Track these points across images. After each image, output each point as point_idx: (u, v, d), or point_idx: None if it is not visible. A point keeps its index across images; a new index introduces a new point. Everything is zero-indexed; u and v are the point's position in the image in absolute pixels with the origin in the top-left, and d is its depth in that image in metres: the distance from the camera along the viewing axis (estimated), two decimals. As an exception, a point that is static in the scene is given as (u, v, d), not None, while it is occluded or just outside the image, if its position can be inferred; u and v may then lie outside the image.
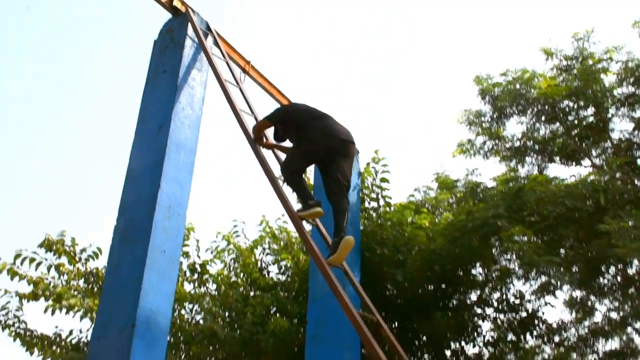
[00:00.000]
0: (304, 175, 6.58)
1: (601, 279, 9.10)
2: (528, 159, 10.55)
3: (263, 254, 10.00)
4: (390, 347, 5.69)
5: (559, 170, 11.69)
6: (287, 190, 6.27)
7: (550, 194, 8.43)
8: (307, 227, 6.64)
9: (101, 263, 9.18)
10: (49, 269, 8.88)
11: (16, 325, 8.89)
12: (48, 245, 8.80)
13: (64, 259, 8.97)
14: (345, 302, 5.37)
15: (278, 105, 7.95)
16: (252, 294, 9.42)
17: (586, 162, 10.50)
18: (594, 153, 10.57)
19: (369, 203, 8.98)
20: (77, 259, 9.04)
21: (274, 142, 6.88)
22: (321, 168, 6.32)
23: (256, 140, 6.61)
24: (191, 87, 6.46)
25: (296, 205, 6.13)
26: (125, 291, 5.56)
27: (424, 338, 9.10)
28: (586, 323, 9.75)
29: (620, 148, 10.09)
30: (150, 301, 5.49)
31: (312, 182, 8.50)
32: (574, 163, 10.55)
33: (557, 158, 10.38)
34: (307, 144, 6.21)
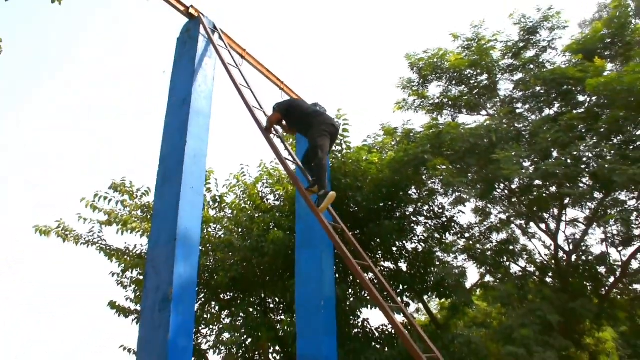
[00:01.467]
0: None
1: (495, 192, 9.25)
2: (444, 111, 10.69)
3: (263, 187, 10.06)
4: (352, 246, 5.80)
5: (465, 119, 11.78)
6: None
7: (460, 135, 8.53)
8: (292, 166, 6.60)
9: (151, 198, 9.23)
10: (116, 204, 9.04)
11: (99, 242, 9.10)
12: (115, 187, 9.00)
13: (126, 197, 9.09)
14: (321, 218, 5.49)
15: (269, 81, 7.90)
16: (256, 215, 9.52)
17: (483, 112, 10.60)
18: (488, 106, 10.67)
19: (335, 147, 8.99)
20: (134, 196, 9.13)
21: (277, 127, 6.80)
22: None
23: (267, 130, 6.49)
24: (204, 70, 6.45)
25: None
26: (168, 216, 5.66)
27: (377, 240, 9.26)
28: (485, 223, 9.93)
29: (505, 102, 10.17)
30: (185, 222, 5.59)
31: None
32: (475, 113, 10.64)
33: (464, 110, 10.48)
34: (324, 129, 6.19)
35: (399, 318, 8.14)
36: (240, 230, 9.37)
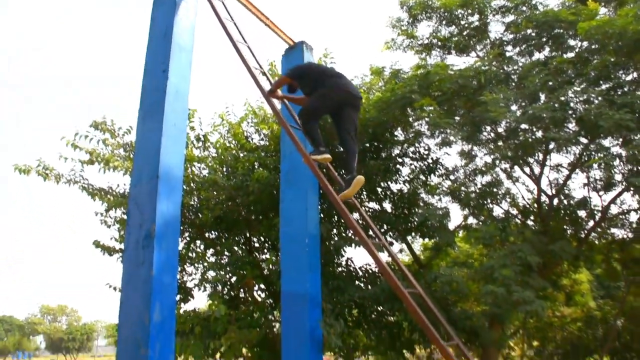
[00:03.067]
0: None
1: (481, 135, 9.21)
2: (433, 52, 10.45)
3: (248, 126, 9.92)
4: (337, 184, 5.78)
5: (454, 60, 11.52)
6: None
7: (448, 76, 8.40)
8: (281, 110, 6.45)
9: (133, 137, 9.08)
10: (98, 142, 8.83)
11: (81, 181, 8.98)
12: (96, 125, 8.77)
13: (107, 135, 8.90)
14: (305, 153, 5.43)
15: (254, 17, 7.60)
16: (241, 155, 9.42)
17: (473, 54, 10.42)
18: (477, 48, 10.47)
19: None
20: (116, 134, 8.95)
21: (282, 94, 6.47)
22: (334, 117, 5.89)
23: (270, 92, 6.22)
24: (187, 2, 6.19)
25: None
26: (150, 153, 5.58)
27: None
28: (470, 166, 9.92)
29: (495, 44, 9.99)
30: (167, 159, 5.54)
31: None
32: (464, 55, 10.45)
33: (453, 51, 10.27)
34: (324, 95, 5.75)
35: (383, 257, 8.23)
36: (224, 169, 9.29)
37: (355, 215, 8.48)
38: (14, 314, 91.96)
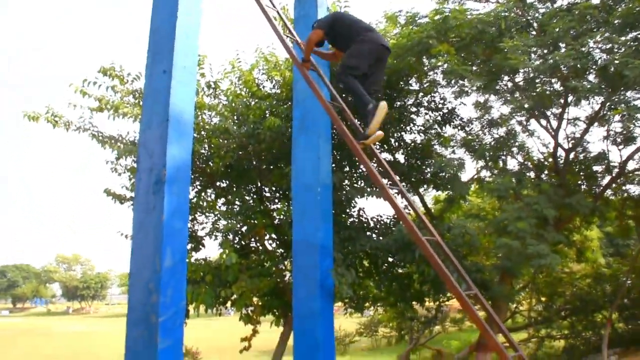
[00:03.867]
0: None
1: (498, 85, 8.92)
2: (452, -3, 9.94)
3: (259, 73, 9.64)
4: (353, 126, 5.63)
5: (473, 6, 10.89)
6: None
7: (467, 21, 8.05)
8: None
9: (142, 84, 8.86)
10: (107, 89, 8.66)
11: (91, 129, 8.84)
12: (104, 71, 8.57)
13: (116, 81, 8.70)
14: (320, 95, 5.24)
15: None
16: (252, 102, 9.21)
17: (492, 0, 9.94)
18: (498, -8, 9.97)
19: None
20: (125, 80, 8.75)
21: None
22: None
23: (304, 61, 5.87)
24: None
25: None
26: (159, 96, 5.41)
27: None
28: (486, 117, 9.65)
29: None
30: (177, 102, 5.36)
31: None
32: (484, 1, 9.97)
33: (473, -3, 9.82)
34: (361, 50, 5.44)
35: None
36: (235, 117, 9.10)
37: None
38: (30, 262, 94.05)
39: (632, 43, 7.52)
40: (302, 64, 5.86)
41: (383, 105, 5.12)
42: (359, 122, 5.99)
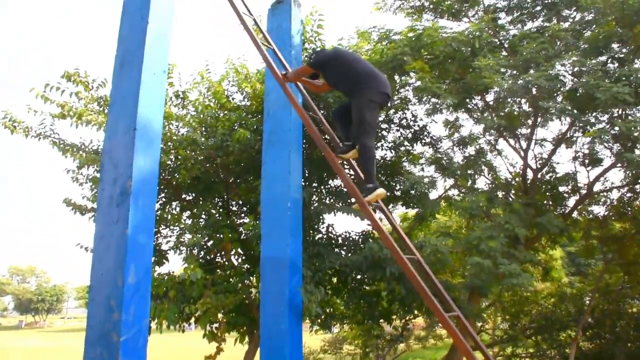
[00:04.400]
0: None
1: (470, 103, 8.96)
2: (425, 15, 9.99)
3: (229, 85, 9.45)
4: (331, 139, 5.50)
5: (445, 24, 10.82)
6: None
7: (442, 39, 8.06)
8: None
9: (108, 91, 8.58)
10: (70, 95, 8.30)
11: (52, 136, 8.50)
12: (68, 76, 8.21)
13: (80, 87, 8.37)
14: (299, 108, 5.10)
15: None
16: (221, 114, 9.01)
17: (465, 20, 10.04)
18: (470, 14, 10.08)
19: (309, 45, 8.40)
20: (90, 87, 8.43)
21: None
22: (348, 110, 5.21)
23: (286, 78, 5.59)
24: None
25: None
26: (127, 103, 5.19)
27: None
28: (456, 136, 9.67)
29: (488, 10, 9.62)
30: (146, 110, 5.14)
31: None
32: (456, 20, 10.08)
33: (445, 16, 9.88)
34: (370, 102, 4.91)
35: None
36: (203, 128, 8.87)
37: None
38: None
39: (600, 67, 7.63)
40: (281, 76, 5.62)
41: (382, 192, 4.90)
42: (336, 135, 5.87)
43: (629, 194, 10.04)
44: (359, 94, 4.97)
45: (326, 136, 6.13)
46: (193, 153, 8.46)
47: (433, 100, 8.56)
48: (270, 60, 5.78)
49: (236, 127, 8.49)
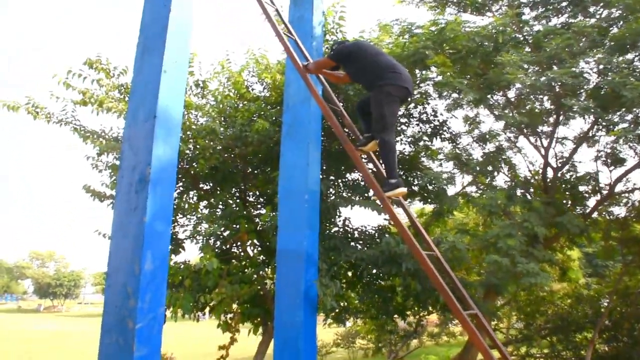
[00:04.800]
0: None
1: (491, 99, 8.83)
2: (448, 9, 9.83)
3: (249, 75, 9.43)
4: (352, 133, 5.45)
5: (469, 19, 10.53)
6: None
7: (464, 33, 7.94)
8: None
9: (129, 78, 8.63)
10: (92, 82, 8.38)
11: (73, 122, 8.58)
12: (90, 63, 8.30)
13: (102, 75, 8.43)
14: (320, 100, 5.06)
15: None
16: (240, 104, 8.99)
17: (489, 14, 9.87)
18: (494, 8, 9.91)
19: (330, 36, 8.34)
20: (111, 74, 8.47)
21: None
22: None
23: (307, 69, 5.52)
24: None
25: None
26: (148, 91, 5.18)
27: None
28: (476, 132, 9.55)
29: (512, 5, 9.44)
30: (166, 98, 5.12)
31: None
32: (480, 14, 9.90)
33: (469, 10, 9.72)
34: (391, 96, 4.84)
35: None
36: (223, 118, 8.87)
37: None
38: (3, 257, 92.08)
39: (626, 65, 7.46)
40: (302, 67, 5.56)
41: (403, 191, 4.92)
42: (357, 128, 5.82)
43: (651, 196, 9.85)
44: (379, 87, 4.91)
45: (346, 129, 6.07)
46: (212, 142, 8.47)
47: (454, 95, 8.45)
48: (292, 50, 5.73)
49: (255, 118, 8.47)
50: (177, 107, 5.18)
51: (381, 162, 5.02)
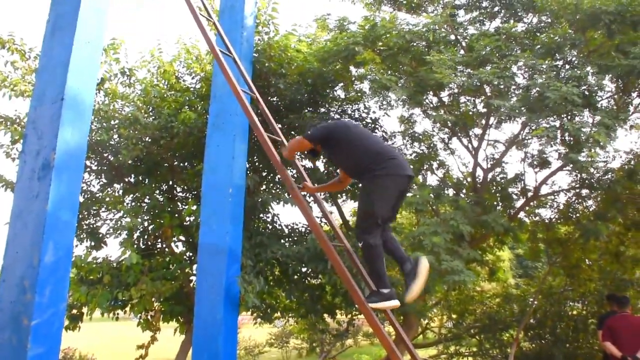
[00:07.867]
0: None
1: (424, 99, 8.87)
2: (384, 7, 9.81)
3: (180, 66, 9.11)
4: (267, 120, 5.27)
5: (403, 17, 10.52)
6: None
7: (397, 30, 7.92)
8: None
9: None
10: (5, 64, 7.91)
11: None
12: (1, 43, 7.71)
13: (17, 56, 7.90)
14: (239, 94, 4.85)
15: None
16: (168, 94, 8.70)
17: (424, 14, 9.91)
18: (429, 9, 9.96)
19: (262, 27, 8.14)
20: (27, 56, 7.96)
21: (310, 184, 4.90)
22: None
23: (286, 157, 4.68)
24: None
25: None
26: (56, 71, 4.83)
27: (297, 134, 8.70)
28: (409, 131, 9.57)
29: (446, 5, 9.52)
30: (76, 80, 4.82)
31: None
32: (415, 14, 9.92)
33: (404, 9, 9.73)
34: (385, 189, 3.87)
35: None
36: (149, 108, 8.53)
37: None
38: None
39: (554, 70, 7.63)
40: (277, 155, 4.58)
41: (425, 264, 3.85)
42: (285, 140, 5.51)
43: (574, 198, 10.16)
44: (371, 179, 3.94)
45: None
46: (135, 132, 8.11)
47: (386, 94, 8.42)
48: (211, 40, 5.47)
49: (184, 109, 8.20)
50: (88, 90, 4.89)
51: (368, 270, 4.04)
